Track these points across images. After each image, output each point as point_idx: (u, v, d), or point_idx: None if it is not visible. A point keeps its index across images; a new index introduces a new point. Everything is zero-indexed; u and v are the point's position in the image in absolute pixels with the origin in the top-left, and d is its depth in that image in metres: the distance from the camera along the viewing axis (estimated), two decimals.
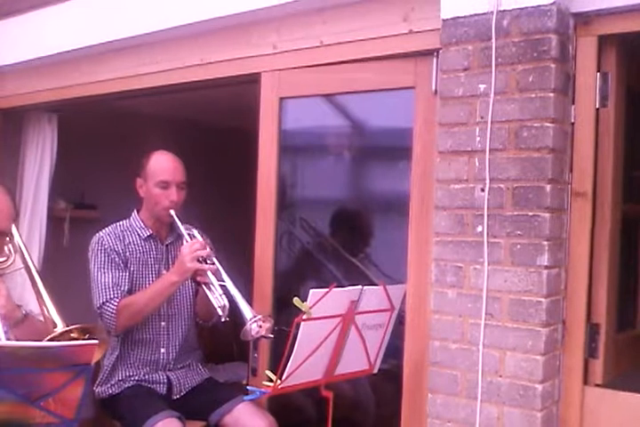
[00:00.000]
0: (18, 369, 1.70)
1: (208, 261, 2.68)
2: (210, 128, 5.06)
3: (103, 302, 2.75)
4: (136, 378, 2.87)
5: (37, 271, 2.56)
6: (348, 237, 3.18)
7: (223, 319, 2.62)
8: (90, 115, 4.09)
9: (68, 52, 3.61)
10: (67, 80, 3.77)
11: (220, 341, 4.09)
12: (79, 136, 4.34)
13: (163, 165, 2.88)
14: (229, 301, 2.60)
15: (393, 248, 2.81)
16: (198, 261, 2.66)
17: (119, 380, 2.87)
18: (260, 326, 2.50)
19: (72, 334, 2.29)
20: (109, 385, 2.88)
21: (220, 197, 4.86)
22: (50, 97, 3.88)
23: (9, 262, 2.51)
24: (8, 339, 2.13)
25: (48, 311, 2.40)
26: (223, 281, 2.64)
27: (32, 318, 2.37)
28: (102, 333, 2.37)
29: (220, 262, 2.70)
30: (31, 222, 4.05)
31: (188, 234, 2.85)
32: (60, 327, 2.32)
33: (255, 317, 2.50)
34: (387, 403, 2.94)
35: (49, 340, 2.23)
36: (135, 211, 2.99)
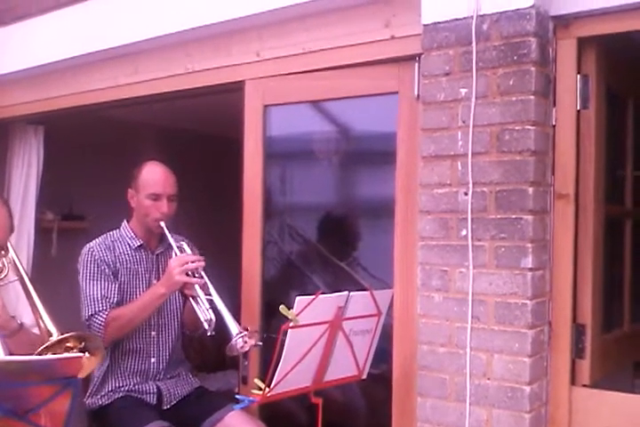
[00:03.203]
0: (4, 384, 1.70)
1: (196, 275, 2.68)
2: (197, 136, 5.07)
3: (91, 315, 2.74)
4: (126, 389, 2.86)
5: (32, 283, 2.56)
6: (336, 243, 3.18)
7: (209, 333, 2.62)
8: (76, 126, 4.08)
9: (53, 63, 3.61)
10: (51, 91, 3.78)
11: (210, 349, 4.09)
12: (66, 147, 4.35)
13: (154, 176, 2.88)
14: (216, 314, 2.60)
15: (381, 252, 2.82)
16: (187, 274, 2.67)
17: (109, 391, 2.86)
18: (246, 342, 2.50)
19: (68, 343, 2.29)
20: (99, 396, 2.86)
21: (206, 204, 4.87)
22: (35, 109, 3.89)
23: (2, 275, 2.50)
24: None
25: (43, 321, 2.40)
26: (210, 295, 2.64)
27: (26, 329, 2.37)
28: (98, 341, 2.37)
29: (207, 273, 2.70)
30: (19, 234, 4.04)
31: (178, 246, 2.84)
32: (56, 336, 2.32)
33: (241, 332, 2.50)
34: (377, 407, 2.94)
35: (45, 348, 2.23)
36: (125, 221, 2.99)
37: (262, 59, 2.95)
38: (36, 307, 2.44)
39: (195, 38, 3.11)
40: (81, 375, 1.82)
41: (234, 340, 2.49)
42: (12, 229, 2.48)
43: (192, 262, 2.68)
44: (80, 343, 2.28)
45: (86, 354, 2.24)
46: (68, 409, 1.78)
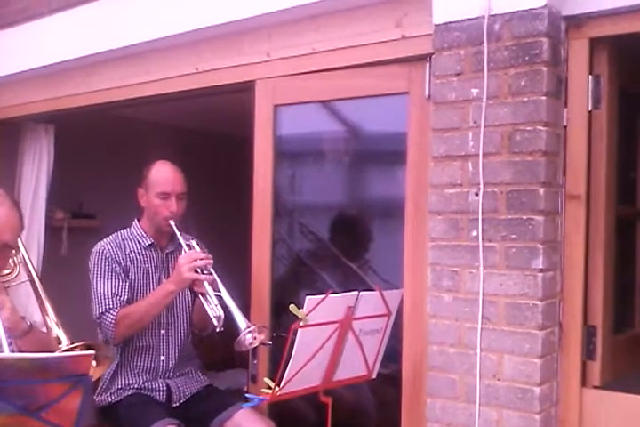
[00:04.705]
0: (16, 381, 1.70)
1: (205, 272, 2.69)
2: (207, 135, 5.07)
3: (102, 313, 2.76)
4: (135, 386, 2.87)
5: (42, 285, 2.57)
6: (346, 244, 3.18)
7: (218, 329, 2.63)
8: (87, 125, 4.09)
9: (63, 62, 3.63)
10: (62, 90, 3.79)
11: (220, 348, 4.09)
12: (77, 146, 4.36)
13: (163, 175, 2.90)
14: (225, 311, 2.60)
15: (393, 254, 2.81)
16: (195, 271, 2.68)
17: (119, 388, 2.87)
18: (255, 338, 2.51)
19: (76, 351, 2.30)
20: (109, 393, 2.87)
21: (216, 203, 4.87)
22: (45, 108, 3.90)
23: (13, 275, 2.51)
24: (12, 351, 2.14)
25: (52, 327, 2.41)
26: (219, 291, 2.64)
27: (36, 330, 2.38)
28: (106, 350, 2.37)
29: (216, 272, 2.71)
30: (29, 232, 4.05)
31: (187, 244, 2.85)
32: (65, 344, 2.33)
33: (249, 327, 2.51)
34: (387, 407, 2.94)
35: None
36: (136, 220, 3.00)
37: (273, 59, 2.95)
38: (45, 311, 2.45)
39: (205, 38, 3.11)
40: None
41: (242, 335, 2.50)
42: (22, 229, 2.49)
43: (201, 260, 2.69)
44: None
45: (93, 363, 2.25)
46: (78, 407, 1.78)
